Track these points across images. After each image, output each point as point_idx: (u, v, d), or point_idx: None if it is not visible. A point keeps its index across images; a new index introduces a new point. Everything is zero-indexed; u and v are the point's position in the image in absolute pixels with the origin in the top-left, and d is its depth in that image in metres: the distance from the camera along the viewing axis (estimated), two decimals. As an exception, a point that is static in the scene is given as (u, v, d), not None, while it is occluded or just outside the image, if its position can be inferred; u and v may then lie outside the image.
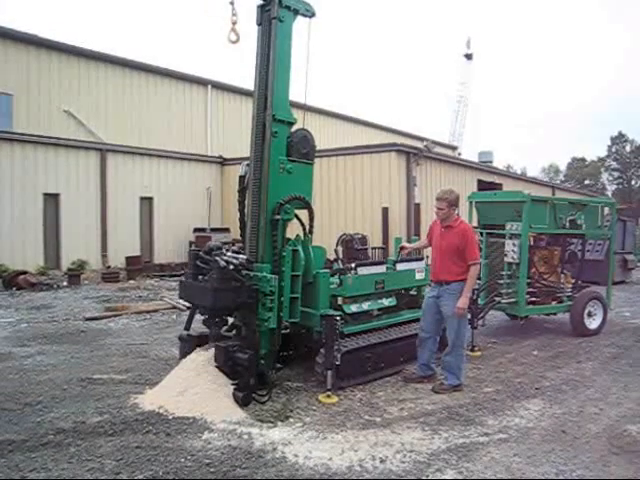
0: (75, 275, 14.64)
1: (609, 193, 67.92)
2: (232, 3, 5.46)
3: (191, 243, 17.45)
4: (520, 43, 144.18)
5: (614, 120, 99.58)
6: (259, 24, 5.76)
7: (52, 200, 16.23)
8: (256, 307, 5.34)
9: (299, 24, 5.89)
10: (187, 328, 6.21)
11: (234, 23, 5.55)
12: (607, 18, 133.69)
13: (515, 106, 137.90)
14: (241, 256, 5.38)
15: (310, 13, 5.94)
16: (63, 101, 19.19)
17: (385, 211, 16.65)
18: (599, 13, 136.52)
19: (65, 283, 14.34)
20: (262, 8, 5.73)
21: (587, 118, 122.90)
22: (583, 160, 79.44)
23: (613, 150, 75.07)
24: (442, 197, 5.90)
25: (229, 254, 5.34)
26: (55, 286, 13.82)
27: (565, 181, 76.03)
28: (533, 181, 30.65)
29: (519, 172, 65.77)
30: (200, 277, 5.53)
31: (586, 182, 75.07)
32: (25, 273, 13.76)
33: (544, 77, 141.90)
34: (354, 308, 6.25)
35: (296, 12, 5.76)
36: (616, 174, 76.12)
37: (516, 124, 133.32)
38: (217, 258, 5.24)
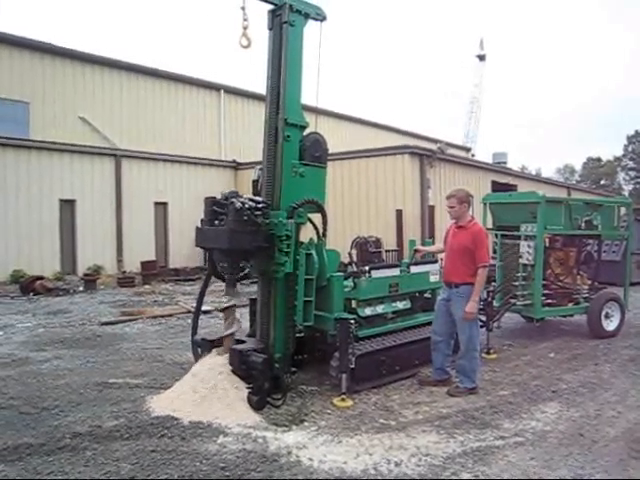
0: (91, 280, 14.76)
1: (626, 193, 67.09)
2: (243, 8, 5.48)
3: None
4: (518, 44, 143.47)
5: (616, 120, 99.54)
6: (270, 29, 5.79)
7: (68, 206, 16.42)
8: (272, 252, 5.37)
9: (310, 27, 5.91)
10: (194, 333, 6.23)
11: (245, 28, 5.56)
12: (608, 18, 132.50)
13: (512, 106, 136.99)
14: (258, 198, 5.45)
15: (321, 17, 5.96)
16: (78, 108, 19.43)
17: (399, 213, 16.60)
18: (600, 13, 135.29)
19: (81, 288, 14.46)
20: (273, 13, 5.75)
21: (588, 118, 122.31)
22: (599, 160, 78.60)
23: (630, 149, 74.13)
24: (451, 194, 5.94)
25: (245, 196, 5.39)
26: (71, 291, 13.94)
27: (581, 181, 75.27)
28: (548, 182, 30.40)
29: (534, 173, 65.25)
30: (216, 222, 5.54)
31: (602, 182, 74.28)
32: (42, 278, 13.92)
33: (543, 77, 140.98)
34: (368, 311, 6.23)
35: (307, 16, 5.79)
36: (633, 173, 75.20)
37: (516, 124, 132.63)
38: (233, 200, 5.27)
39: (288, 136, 5.58)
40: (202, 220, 5.71)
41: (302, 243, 5.68)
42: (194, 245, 6.03)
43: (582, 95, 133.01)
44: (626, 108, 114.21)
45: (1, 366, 6.79)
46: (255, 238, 5.26)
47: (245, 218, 5.19)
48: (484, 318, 7.35)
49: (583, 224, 8.47)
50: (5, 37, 17.82)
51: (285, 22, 5.59)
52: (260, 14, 5.79)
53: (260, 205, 5.36)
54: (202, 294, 6.31)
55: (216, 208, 5.53)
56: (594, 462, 4.11)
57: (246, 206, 5.23)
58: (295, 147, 5.66)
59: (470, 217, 5.94)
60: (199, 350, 5.93)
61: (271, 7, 5.74)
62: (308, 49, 5.85)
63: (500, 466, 4.03)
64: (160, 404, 5.16)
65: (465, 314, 5.60)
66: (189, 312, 10.73)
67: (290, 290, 5.50)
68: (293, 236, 5.38)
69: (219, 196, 5.72)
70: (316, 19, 5.93)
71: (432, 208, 16.96)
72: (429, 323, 6.48)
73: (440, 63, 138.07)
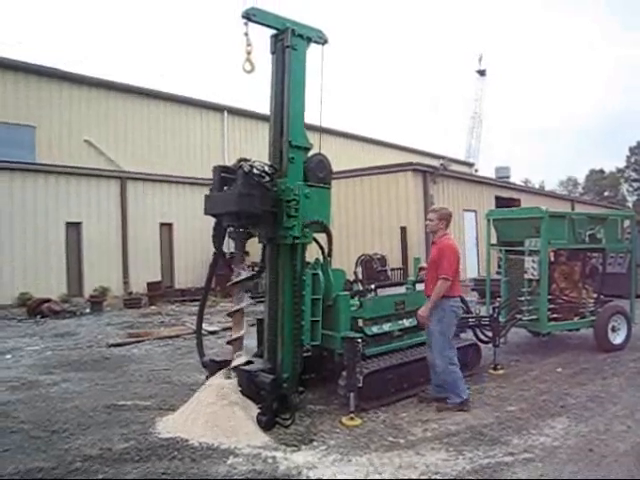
0: (97, 302, 14.82)
1: (630, 204, 66.97)
2: (246, 34, 5.59)
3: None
4: (519, 56, 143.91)
5: (619, 132, 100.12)
6: (273, 53, 5.91)
7: (74, 228, 16.56)
8: (280, 218, 5.46)
9: (312, 49, 6.02)
10: (202, 354, 6.24)
11: (249, 53, 5.66)
12: (609, 26, 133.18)
13: (513, 120, 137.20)
14: (267, 162, 5.56)
15: (323, 40, 6.07)
16: (83, 131, 19.68)
17: (403, 231, 16.66)
18: (602, 22, 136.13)
19: (88, 310, 14.52)
20: (275, 37, 5.87)
21: (591, 130, 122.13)
22: (602, 172, 78.57)
23: (632, 160, 74.09)
24: (434, 210, 6.12)
25: (254, 160, 5.48)
26: (78, 313, 14.00)
27: (584, 193, 75.23)
28: (551, 195, 30.46)
29: (537, 186, 65.32)
30: (225, 189, 5.58)
31: (606, 194, 74.17)
32: (49, 301, 13.98)
33: (544, 90, 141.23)
34: (375, 329, 6.24)
35: (309, 40, 5.90)
36: (636, 184, 75.09)
37: (518, 137, 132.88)
38: (242, 163, 5.35)
39: (292, 158, 5.65)
40: (211, 189, 5.75)
41: (308, 263, 5.73)
42: (199, 266, 6.07)
43: (584, 107, 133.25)
44: (628, 119, 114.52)
45: (10, 390, 6.83)
46: (263, 202, 5.35)
47: (253, 182, 5.27)
48: (490, 334, 7.38)
49: (587, 238, 8.48)
50: (11, 63, 18.15)
51: (288, 46, 5.70)
52: (263, 37, 5.92)
53: (268, 170, 5.46)
54: (201, 311, 6.32)
55: (225, 174, 5.57)
56: (604, 478, 4.10)
57: (254, 170, 5.32)
58: (299, 168, 5.73)
59: (443, 233, 5.98)
60: (208, 369, 5.95)
61: (274, 32, 5.86)
62: (311, 70, 5.95)
63: (510, 483, 4.03)
64: (169, 426, 5.19)
65: (417, 315, 5.77)
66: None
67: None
68: (301, 201, 5.47)
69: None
70: (318, 42, 6.04)
71: (436, 224, 16.95)
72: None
73: (442, 78, 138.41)
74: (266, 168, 5.53)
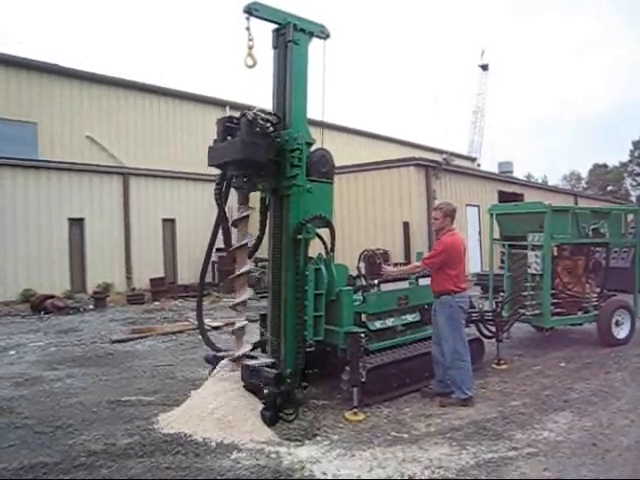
0: (101, 298, 14.84)
1: (633, 199, 66.68)
2: (248, 29, 5.57)
3: (214, 263, 17.58)
4: (520, 50, 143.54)
5: (622, 125, 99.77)
6: (275, 47, 5.90)
7: (77, 224, 16.58)
8: (284, 167, 5.50)
9: (315, 43, 6.01)
10: (213, 347, 6.22)
11: (250, 48, 5.65)
12: (615, 20, 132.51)
13: (516, 114, 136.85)
14: (270, 111, 5.59)
15: (325, 35, 6.06)
16: (85, 127, 19.69)
17: (406, 226, 16.64)
18: (607, 16, 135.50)
19: (91, 306, 14.55)
20: (277, 32, 5.87)
21: (594, 124, 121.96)
22: (605, 166, 78.28)
23: (636, 155, 73.75)
24: (438, 207, 6.09)
25: (257, 109, 5.50)
26: (82, 309, 14.03)
27: (587, 188, 74.95)
28: (554, 190, 30.40)
29: (540, 181, 65.10)
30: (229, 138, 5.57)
31: (609, 188, 73.90)
32: (52, 297, 14.00)
33: (547, 84, 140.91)
34: (378, 324, 6.24)
35: (311, 34, 5.90)
36: (640, 179, 74.82)
37: (520, 132, 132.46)
38: (246, 112, 5.38)
39: (295, 153, 5.64)
40: (215, 140, 5.73)
41: (311, 258, 5.73)
42: (202, 261, 6.07)
43: (587, 101, 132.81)
44: (631, 113, 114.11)
45: (14, 385, 6.85)
46: (268, 150, 5.37)
47: (257, 129, 5.30)
48: (493, 329, 7.37)
49: (590, 232, 8.46)
50: (12, 59, 18.15)
51: (289, 41, 5.70)
52: (265, 32, 5.90)
53: (273, 119, 5.48)
54: (199, 304, 6.31)
55: (229, 124, 5.57)
56: (608, 472, 4.10)
57: (258, 118, 5.32)
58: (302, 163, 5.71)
59: (447, 229, 5.94)
60: (211, 365, 5.96)
61: (275, 26, 5.85)
62: (313, 65, 5.94)
63: (513, 477, 4.03)
64: (173, 421, 5.19)
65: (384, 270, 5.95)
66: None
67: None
68: (304, 149, 5.51)
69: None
70: (320, 37, 6.03)
71: (439, 219, 16.94)
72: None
73: (444, 73, 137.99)
74: (270, 117, 5.53)
